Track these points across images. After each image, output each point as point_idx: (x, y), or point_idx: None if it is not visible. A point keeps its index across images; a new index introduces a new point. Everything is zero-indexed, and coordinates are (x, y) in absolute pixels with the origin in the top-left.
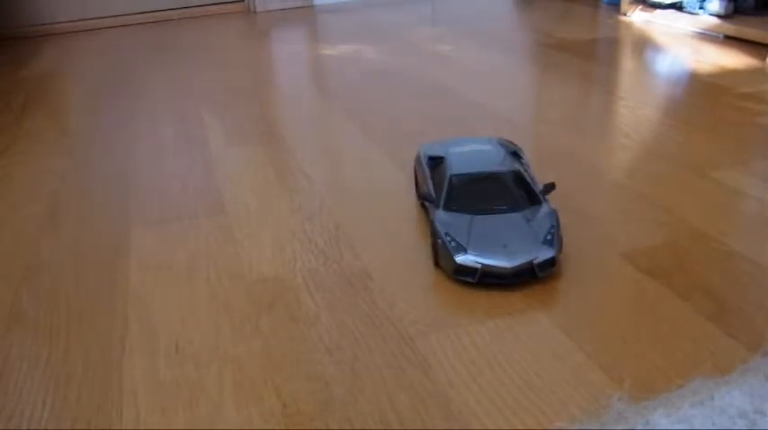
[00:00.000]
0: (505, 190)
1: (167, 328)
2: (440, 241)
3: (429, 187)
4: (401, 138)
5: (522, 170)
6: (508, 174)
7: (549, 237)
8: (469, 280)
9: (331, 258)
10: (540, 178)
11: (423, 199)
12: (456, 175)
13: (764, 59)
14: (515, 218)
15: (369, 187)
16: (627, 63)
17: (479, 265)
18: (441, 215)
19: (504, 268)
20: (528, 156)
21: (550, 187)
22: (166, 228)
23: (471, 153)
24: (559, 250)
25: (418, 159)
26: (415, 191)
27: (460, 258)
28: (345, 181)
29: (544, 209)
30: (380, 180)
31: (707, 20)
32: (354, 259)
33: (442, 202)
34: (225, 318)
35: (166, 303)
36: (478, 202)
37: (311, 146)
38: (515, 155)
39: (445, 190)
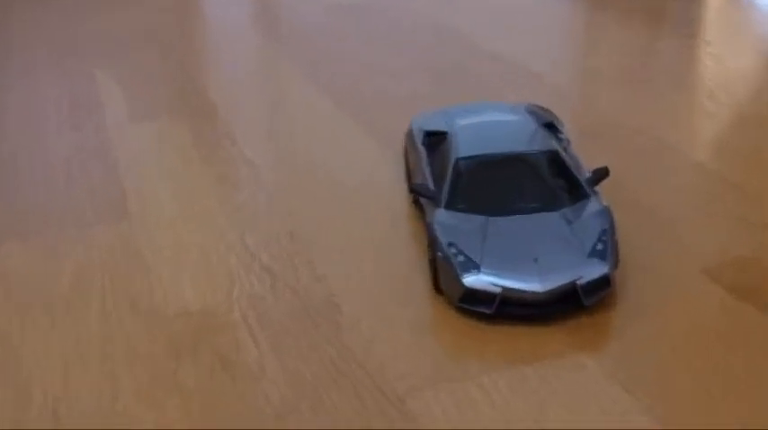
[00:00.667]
0: (536, 179)
1: (42, 387)
2: (440, 255)
3: (425, 176)
4: (384, 104)
5: (560, 150)
6: (540, 155)
7: (599, 247)
8: (484, 310)
9: (282, 281)
10: (586, 161)
11: (416, 193)
12: (464, 159)
13: None
14: (551, 220)
15: (337, 176)
16: None
17: (498, 290)
18: (442, 217)
19: (535, 293)
20: (569, 128)
21: (602, 174)
22: (44, 240)
23: (486, 126)
24: (615, 266)
25: (410, 136)
26: (405, 181)
27: (471, 279)
28: (304, 168)
29: (592, 205)
30: (354, 166)
31: None
32: (315, 282)
33: (444, 198)
34: (125, 369)
35: (41, 350)
36: (497, 198)
37: (254, 117)
38: (551, 128)
39: (449, 180)
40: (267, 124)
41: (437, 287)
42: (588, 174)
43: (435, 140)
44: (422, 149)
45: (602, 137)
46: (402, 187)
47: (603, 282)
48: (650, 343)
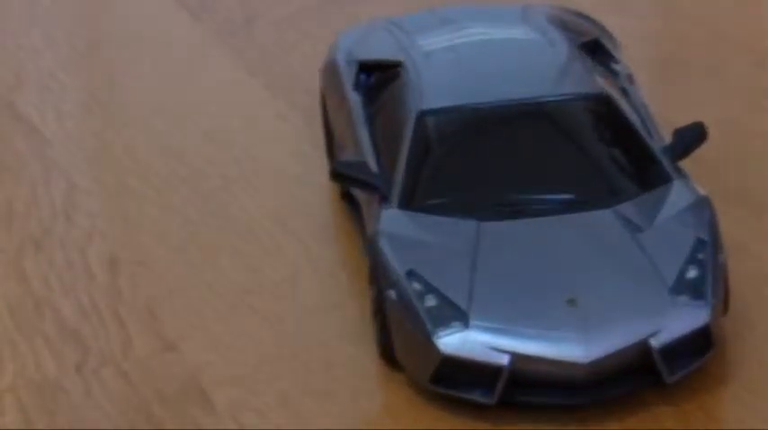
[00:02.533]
0: (568, 150)
1: None
2: (393, 295)
3: (361, 147)
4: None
5: (612, 94)
6: (575, 104)
7: (692, 275)
8: (478, 398)
9: (96, 348)
10: (664, 114)
11: (343, 178)
12: (434, 114)
13: None
14: (598, 225)
15: (188, 152)
16: None
17: (505, 359)
18: (396, 223)
19: (576, 364)
20: (632, 53)
21: (695, 137)
22: None
23: (474, 51)
24: (722, 308)
25: (332, 72)
26: (326, 157)
27: (451, 340)
28: (132, 138)
29: (677, 196)
30: (223, 143)
31: None
32: (165, 350)
33: (398, 189)
34: None
35: None
36: (496, 186)
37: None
38: (595, 51)
39: (406, 154)
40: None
41: (387, 355)
42: (669, 141)
43: (379, 80)
44: (354, 97)
45: (698, 68)
46: (319, 168)
47: (700, 340)
48: None
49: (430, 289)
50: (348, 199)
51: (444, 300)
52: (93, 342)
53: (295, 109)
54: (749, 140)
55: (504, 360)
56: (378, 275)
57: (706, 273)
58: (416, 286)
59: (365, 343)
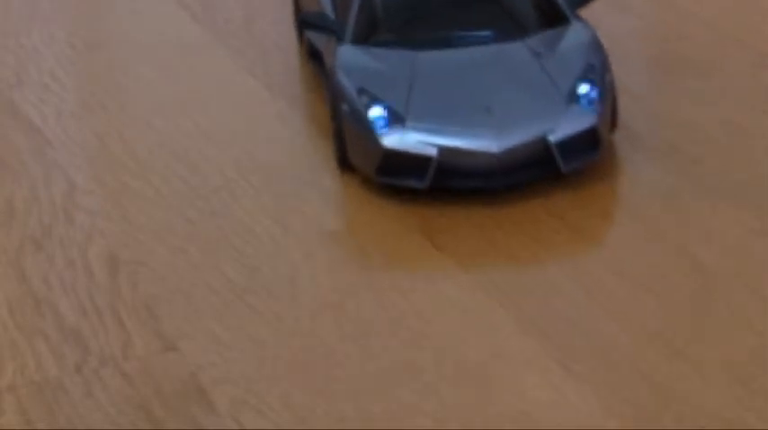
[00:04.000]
0: None
1: None
2: (347, 109)
3: (323, 4)
4: None
5: None
6: None
7: (584, 90)
8: (414, 184)
9: (96, 348)
10: (664, 114)
11: (307, 25)
12: None
13: None
14: (511, 52)
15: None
16: None
17: (434, 151)
18: (348, 55)
19: (490, 154)
20: (629, 55)
21: None
22: None
23: None
24: (610, 121)
25: None
26: (293, 17)
27: (392, 138)
28: (132, 138)
29: (574, 32)
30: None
31: None
32: (165, 350)
33: (350, 28)
34: None
35: None
36: (430, 23)
37: None
38: None
39: (356, 1)
40: None
41: (344, 160)
42: None
43: None
44: None
45: (698, 68)
46: (315, 174)
47: (590, 141)
48: (666, 229)
49: (375, 100)
50: (313, 56)
51: (387, 108)
52: (93, 342)
53: (295, 109)
54: (749, 140)
55: (433, 152)
56: (335, 96)
57: (595, 88)
58: (365, 99)
59: (365, 343)
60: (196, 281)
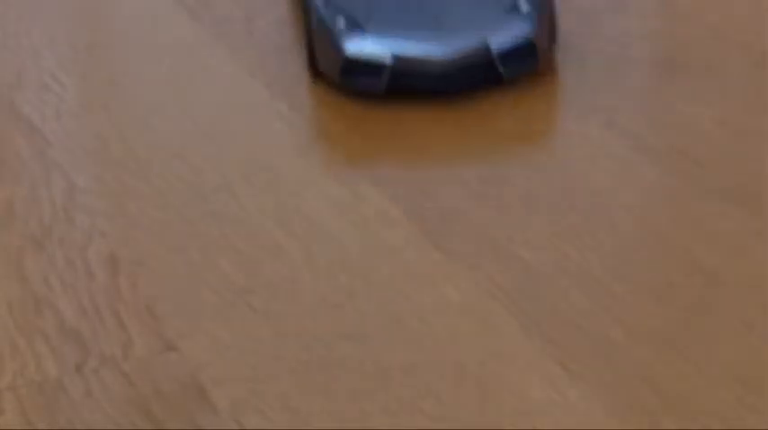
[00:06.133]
0: None
1: None
2: (316, 19)
3: None
4: None
5: None
6: None
7: (523, 6)
8: (371, 87)
9: (96, 348)
10: (665, 114)
11: None
12: None
13: None
14: None
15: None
16: None
17: (388, 57)
18: None
19: (436, 60)
20: (629, 54)
21: None
22: None
23: None
24: (549, 36)
25: None
26: None
27: (353, 46)
28: (132, 138)
29: None
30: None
31: None
32: (165, 350)
33: None
34: None
35: None
36: None
37: None
38: None
39: None
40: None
41: (314, 68)
42: None
43: None
44: None
45: (698, 68)
46: (315, 174)
47: (528, 50)
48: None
49: (339, 11)
50: None
51: (349, 19)
52: (93, 342)
53: (295, 109)
54: (749, 140)
55: (387, 58)
56: (307, 9)
57: (534, 4)
58: (330, 11)
59: (365, 343)
60: (196, 281)
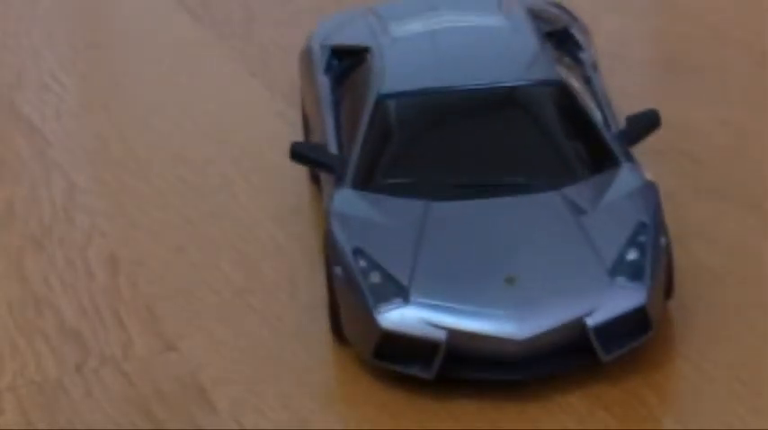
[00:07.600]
0: (520, 134)
1: None
2: (340, 272)
3: (326, 130)
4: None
5: (566, 81)
6: (530, 91)
7: (631, 257)
8: (418, 372)
9: (96, 348)
10: (665, 114)
11: (301, 159)
12: (392, 97)
13: None
14: (543, 206)
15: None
16: None
17: (442, 335)
18: (347, 202)
19: (512, 340)
20: (629, 54)
21: (646, 123)
22: None
23: (439, 38)
24: (663, 292)
25: (307, 58)
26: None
27: (392, 316)
28: (132, 138)
29: (624, 180)
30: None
31: None
32: (165, 350)
33: (352, 169)
34: None
35: None
36: (446, 168)
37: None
38: (562, 40)
39: (362, 136)
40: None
41: (337, 331)
42: (622, 127)
43: (347, 65)
44: (323, 81)
45: (698, 68)
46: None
47: (637, 321)
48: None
49: (374, 266)
50: (316, 181)
51: (387, 276)
52: (93, 342)
53: (295, 109)
54: (749, 140)
55: (441, 335)
56: (328, 252)
57: (646, 256)
58: (362, 263)
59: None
60: (196, 281)
